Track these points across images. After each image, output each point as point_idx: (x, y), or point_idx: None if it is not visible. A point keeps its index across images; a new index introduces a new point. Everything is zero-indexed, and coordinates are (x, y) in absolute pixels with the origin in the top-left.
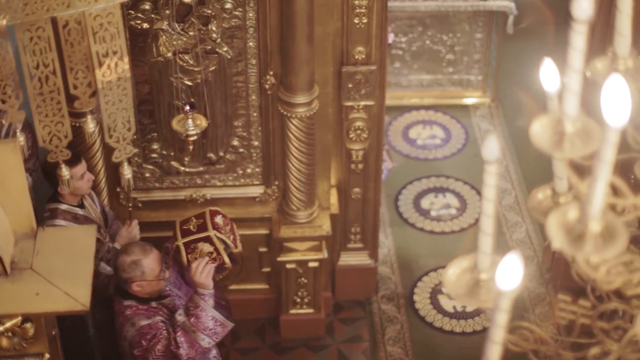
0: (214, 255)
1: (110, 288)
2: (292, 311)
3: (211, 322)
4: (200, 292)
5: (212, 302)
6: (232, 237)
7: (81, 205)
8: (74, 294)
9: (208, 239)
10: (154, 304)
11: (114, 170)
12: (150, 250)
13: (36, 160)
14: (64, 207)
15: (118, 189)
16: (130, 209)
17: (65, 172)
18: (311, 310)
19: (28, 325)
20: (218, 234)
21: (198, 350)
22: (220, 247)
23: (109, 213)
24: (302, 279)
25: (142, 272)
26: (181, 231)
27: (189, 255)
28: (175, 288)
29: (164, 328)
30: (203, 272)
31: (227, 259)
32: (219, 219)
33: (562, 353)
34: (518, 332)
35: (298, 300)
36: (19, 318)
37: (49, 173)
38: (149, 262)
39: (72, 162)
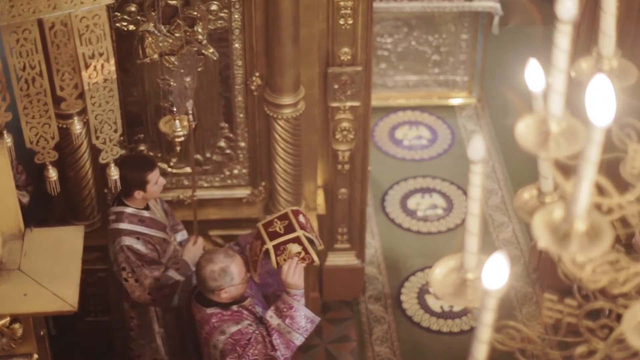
0: (302, 255)
1: (175, 299)
2: None
3: (304, 320)
4: (292, 292)
5: (304, 301)
6: (314, 234)
7: (146, 208)
8: (62, 294)
9: (297, 240)
10: (235, 307)
11: (101, 172)
12: (234, 254)
13: (27, 176)
14: (130, 210)
15: (105, 190)
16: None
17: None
18: None
19: (16, 325)
20: (306, 234)
21: (293, 349)
22: (309, 246)
23: (167, 209)
24: None
25: (232, 277)
26: (268, 234)
27: (278, 257)
28: (248, 288)
29: (257, 332)
30: (295, 273)
31: (316, 258)
32: (302, 218)
33: (549, 352)
34: (505, 331)
35: None
36: (7, 318)
37: (122, 178)
38: (236, 267)
39: (148, 168)
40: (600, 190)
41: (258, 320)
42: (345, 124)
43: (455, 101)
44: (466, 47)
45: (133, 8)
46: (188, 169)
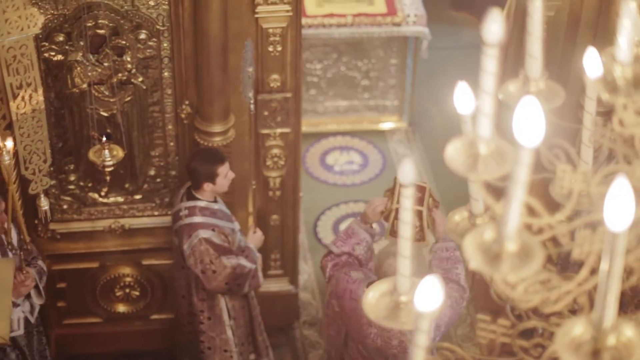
0: (417, 229)
1: (246, 286)
2: None
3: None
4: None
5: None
6: (430, 220)
7: (215, 200)
8: None
9: (419, 214)
10: None
11: (31, 202)
12: None
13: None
14: (202, 204)
15: (36, 221)
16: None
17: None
18: None
19: None
20: (427, 213)
21: None
22: (425, 225)
23: None
24: None
25: None
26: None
27: (395, 221)
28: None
29: None
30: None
31: (427, 237)
32: (430, 202)
33: None
34: (440, 352)
35: None
36: None
37: (193, 170)
38: None
39: (219, 161)
40: (530, 210)
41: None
42: (275, 151)
43: (386, 126)
44: (395, 72)
45: (61, 38)
46: (119, 199)
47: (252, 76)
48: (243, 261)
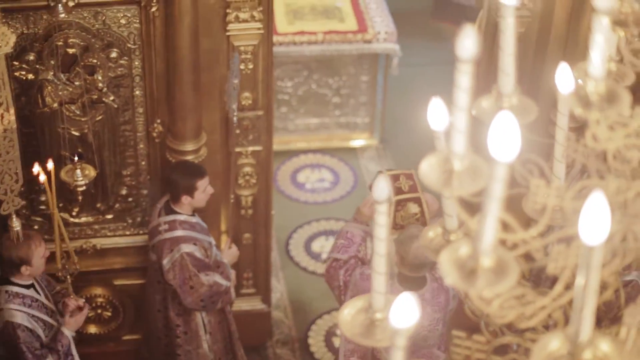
0: (418, 216)
1: (219, 303)
2: None
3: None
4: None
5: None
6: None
7: (193, 214)
8: None
9: (417, 200)
10: None
11: (2, 222)
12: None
13: None
14: (182, 217)
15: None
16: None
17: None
18: None
19: None
20: (427, 197)
21: None
22: (426, 209)
23: None
24: None
25: None
26: (394, 189)
27: (397, 213)
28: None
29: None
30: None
31: (428, 222)
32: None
33: None
34: None
35: None
36: None
37: (172, 182)
38: None
39: (198, 175)
40: (504, 226)
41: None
42: (247, 169)
43: (357, 143)
44: (366, 89)
45: (32, 57)
46: (91, 218)
47: (237, 88)
48: (218, 278)
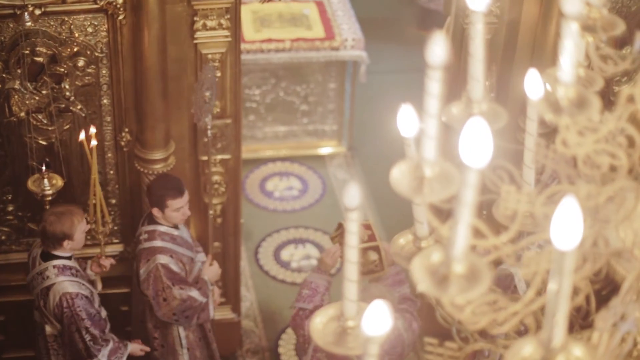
0: (377, 262)
1: (195, 319)
2: None
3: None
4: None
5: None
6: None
7: (176, 227)
8: None
9: (376, 249)
10: None
11: None
12: None
13: None
14: (162, 228)
15: None
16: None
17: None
18: None
19: None
20: (384, 245)
21: None
22: (384, 257)
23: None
24: None
25: None
26: None
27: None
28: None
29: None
30: (333, 256)
31: (387, 269)
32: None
33: None
34: None
35: None
36: None
37: (147, 190)
38: None
39: (170, 195)
40: (476, 232)
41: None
42: (216, 178)
43: (325, 150)
44: (334, 96)
45: None
46: None
47: (209, 101)
48: (195, 293)
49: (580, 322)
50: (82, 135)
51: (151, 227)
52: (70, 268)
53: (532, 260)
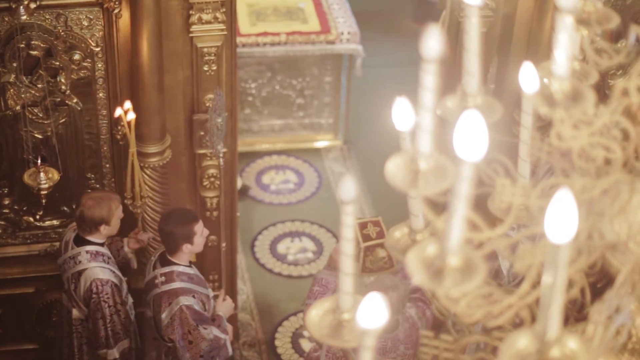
0: (386, 259)
1: (217, 358)
2: None
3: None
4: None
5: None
6: None
7: (190, 265)
8: None
9: (384, 246)
10: None
11: None
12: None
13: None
14: (180, 268)
15: None
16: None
17: None
18: None
19: None
20: None
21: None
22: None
23: None
24: None
25: None
26: (362, 235)
27: (366, 258)
28: None
29: None
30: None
31: (396, 266)
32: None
33: None
34: None
35: None
36: None
37: (169, 234)
38: None
39: (193, 220)
40: (471, 224)
41: None
42: (212, 171)
43: (321, 144)
44: (330, 90)
45: None
46: (55, 222)
47: (222, 128)
48: (217, 332)
49: (575, 314)
50: (118, 111)
51: (167, 269)
52: (103, 255)
53: (527, 253)
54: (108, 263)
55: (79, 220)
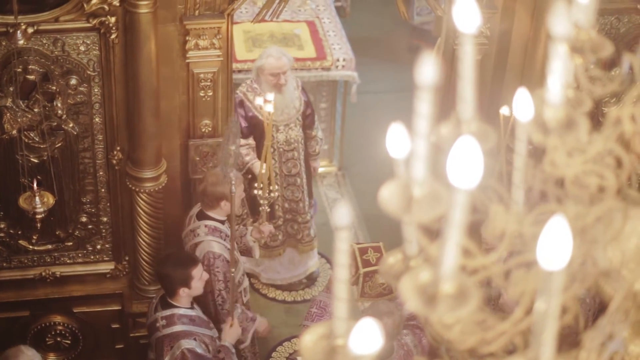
0: (385, 285)
1: None
2: None
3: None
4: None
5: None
6: None
7: (192, 307)
8: None
9: None
10: None
11: None
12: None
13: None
14: (180, 311)
15: None
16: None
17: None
18: None
19: None
20: None
21: None
22: None
23: None
24: None
25: None
26: (362, 261)
27: (365, 284)
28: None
29: None
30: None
31: (395, 292)
32: None
33: None
34: None
35: None
36: None
37: (165, 277)
38: None
39: (191, 264)
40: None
41: None
42: None
43: None
44: (325, 116)
45: None
46: (50, 246)
47: (234, 155)
48: None
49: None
50: (259, 100)
51: (168, 312)
52: (220, 231)
53: (521, 280)
54: (225, 240)
55: (202, 195)
